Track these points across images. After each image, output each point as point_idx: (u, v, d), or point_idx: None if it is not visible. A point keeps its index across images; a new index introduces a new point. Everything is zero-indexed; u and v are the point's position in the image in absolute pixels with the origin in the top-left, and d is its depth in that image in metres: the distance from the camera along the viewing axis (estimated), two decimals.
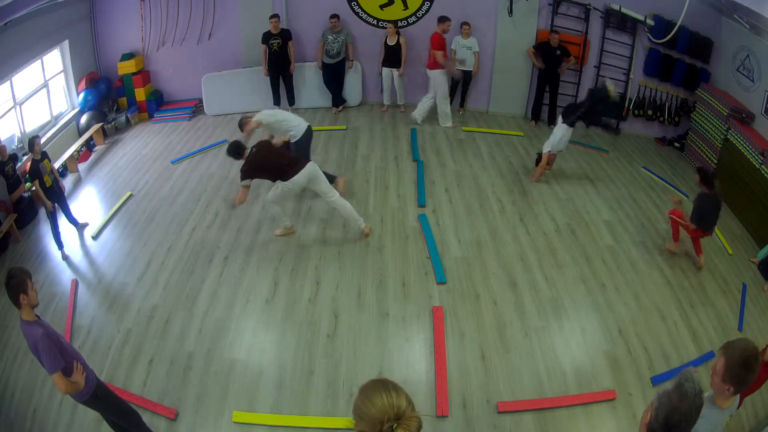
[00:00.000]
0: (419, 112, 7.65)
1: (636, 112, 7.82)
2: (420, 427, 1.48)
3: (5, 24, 5.44)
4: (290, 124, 5.61)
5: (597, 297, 4.67)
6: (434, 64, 7.16)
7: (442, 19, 7.10)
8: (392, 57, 7.69)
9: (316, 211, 5.74)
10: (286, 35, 7.43)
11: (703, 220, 4.88)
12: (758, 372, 2.11)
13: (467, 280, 4.80)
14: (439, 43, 7.05)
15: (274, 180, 4.95)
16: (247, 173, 4.80)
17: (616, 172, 6.81)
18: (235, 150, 4.89)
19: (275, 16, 7.28)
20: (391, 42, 7.58)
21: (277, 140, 5.69)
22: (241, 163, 4.89)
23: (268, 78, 7.67)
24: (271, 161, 4.87)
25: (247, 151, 4.85)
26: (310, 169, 4.89)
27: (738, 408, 2.56)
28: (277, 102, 7.94)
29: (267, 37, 7.33)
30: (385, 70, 7.84)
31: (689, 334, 4.34)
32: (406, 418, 1.45)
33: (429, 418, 3.58)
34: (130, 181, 6.47)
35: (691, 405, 1.70)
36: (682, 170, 7.07)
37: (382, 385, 1.52)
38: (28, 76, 6.54)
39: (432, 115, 8.07)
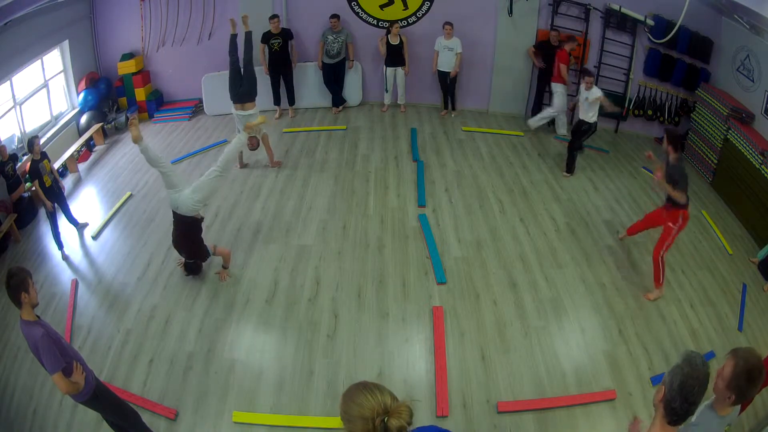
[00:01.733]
0: (537, 120, 7.54)
1: (636, 112, 7.82)
2: (411, 414, 1.53)
3: (5, 24, 5.43)
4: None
5: (597, 297, 4.67)
6: (558, 78, 7.20)
7: (571, 39, 7.16)
8: (396, 56, 7.70)
9: (316, 210, 5.74)
10: (286, 35, 7.43)
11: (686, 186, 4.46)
12: (761, 387, 2.10)
13: (467, 280, 4.80)
14: (566, 58, 7.11)
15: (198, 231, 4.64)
16: (205, 250, 4.64)
17: (616, 172, 6.81)
18: (194, 268, 4.77)
19: (275, 16, 7.28)
20: (394, 41, 7.59)
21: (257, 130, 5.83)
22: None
23: (268, 77, 7.65)
24: (183, 237, 4.59)
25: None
26: (174, 200, 4.43)
27: (738, 415, 2.57)
28: (277, 102, 7.93)
29: (267, 37, 7.33)
30: (389, 70, 7.84)
31: (689, 334, 4.34)
32: (395, 409, 1.51)
33: (419, 404, 3.59)
34: (130, 181, 6.48)
35: (702, 371, 1.79)
36: None
37: (363, 387, 1.58)
38: (28, 76, 6.53)
39: (433, 118, 8.08)
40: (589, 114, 6.22)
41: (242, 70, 6.05)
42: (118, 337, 4.25)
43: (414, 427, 1.64)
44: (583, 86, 6.24)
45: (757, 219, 5.73)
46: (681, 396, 1.77)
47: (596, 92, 6.07)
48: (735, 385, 2.07)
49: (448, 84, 7.89)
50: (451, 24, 7.40)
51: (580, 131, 6.41)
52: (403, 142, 7.28)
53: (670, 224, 4.56)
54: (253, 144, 6.16)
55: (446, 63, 7.62)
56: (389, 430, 1.49)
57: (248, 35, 6.10)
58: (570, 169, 6.61)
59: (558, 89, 7.25)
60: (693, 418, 2.19)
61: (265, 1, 7.67)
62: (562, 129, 7.50)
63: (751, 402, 3.49)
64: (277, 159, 6.65)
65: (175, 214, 4.49)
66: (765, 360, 3.44)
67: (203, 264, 4.82)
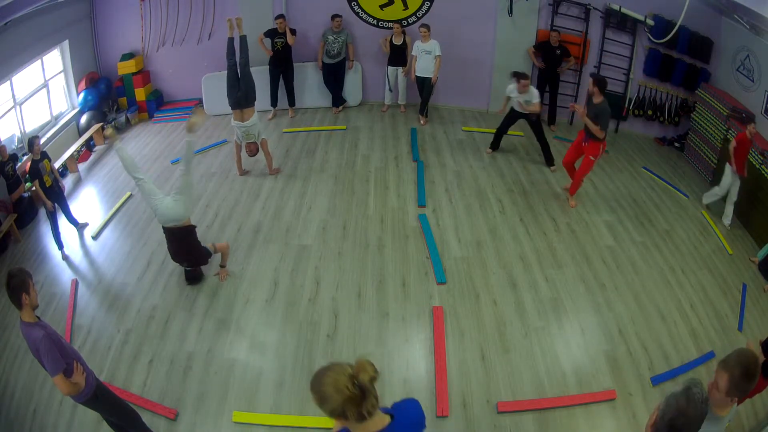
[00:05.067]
0: (709, 196, 6.19)
1: (636, 112, 7.82)
2: (373, 364, 1.66)
3: (5, 24, 5.44)
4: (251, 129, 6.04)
5: (597, 297, 4.67)
6: (732, 162, 5.80)
7: (748, 120, 5.89)
8: (398, 56, 7.69)
9: (316, 210, 5.74)
10: (291, 32, 7.41)
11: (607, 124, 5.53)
12: (759, 376, 2.10)
13: (467, 280, 4.80)
14: (746, 145, 5.70)
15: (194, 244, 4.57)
16: (205, 252, 4.61)
17: (616, 172, 6.81)
18: (196, 277, 4.77)
19: (281, 16, 7.29)
20: (397, 41, 7.58)
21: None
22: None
23: (268, 78, 7.64)
24: (180, 247, 4.52)
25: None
26: (161, 213, 4.36)
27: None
28: (273, 103, 7.91)
29: (273, 34, 7.32)
30: (390, 69, 7.83)
31: (689, 334, 4.34)
32: (358, 367, 1.63)
33: (429, 415, 3.57)
34: (130, 181, 6.44)
35: (697, 411, 1.71)
36: (682, 170, 7.08)
37: (323, 369, 1.67)
38: (28, 76, 6.53)
39: (433, 118, 8.08)
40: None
41: (239, 73, 6.00)
42: (118, 337, 4.25)
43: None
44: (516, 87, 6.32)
45: (757, 219, 5.73)
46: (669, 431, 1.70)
47: (535, 96, 6.34)
48: (735, 391, 2.06)
49: (424, 90, 7.58)
50: (427, 26, 7.21)
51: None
52: (403, 142, 7.28)
53: (591, 157, 5.67)
54: (252, 150, 6.15)
55: (424, 68, 7.37)
56: (364, 385, 1.60)
57: (243, 39, 6.09)
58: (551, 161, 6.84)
59: (728, 171, 5.86)
60: None
61: (265, 1, 7.67)
62: (727, 220, 5.95)
63: (749, 396, 3.49)
64: (276, 166, 6.57)
65: (166, 230, 4.40)
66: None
67: (203, 268, 4.81)
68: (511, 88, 6.39)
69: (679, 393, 1.74)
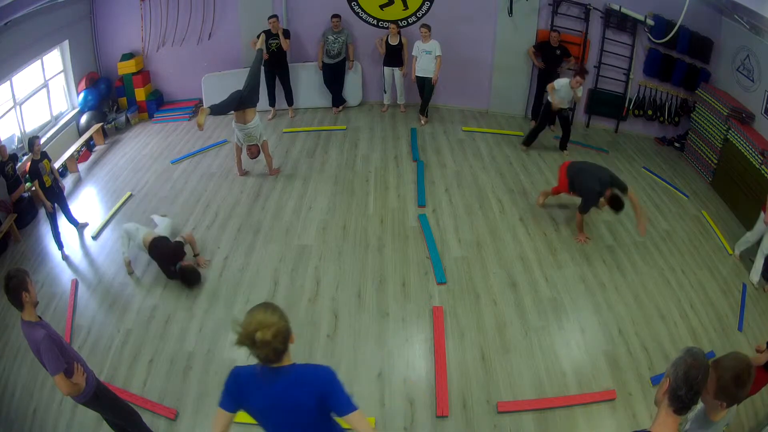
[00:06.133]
0: (742, 244, 5.40)
1: (636, 112, 7.83)
2: (272, 334, 1.85)
3: (5, 24, 5.44)
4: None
5: (597, 297, 4.67)
6: None
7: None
8: (394, 56, 7.68)
9: (316, 210, 5.74)
10: (285, 35, 7.41)
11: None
12: (751, 386, 2.11)
13: (467, 280, 4.80)
14: None
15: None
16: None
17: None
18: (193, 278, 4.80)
19: (274, 16, 7.28)
20: (393, 42, 7.58)
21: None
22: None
23: (267, 79, 7.64)
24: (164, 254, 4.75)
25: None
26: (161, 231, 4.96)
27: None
28: (272, 103, 7.92)
29: (267, 35, 7.32)
30: (386, 69, 7.83)
31: (689, 334, 4.34)
32: (265, 327, 1.84)
33: (420, 404, 3.58)
34: (130, 181, 6.47)
35: (704, 362, 1.85)
36: (682, 170, 7.08)
37: (256, 309, 1.95)
38: (28, 76, 6.53)
39: (433, 118, 8.07)
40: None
41: (250, 69, 6.16)
42: (118, 337, 4.25)
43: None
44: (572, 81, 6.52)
45: (757, 219, 5.71)
46: (686, 384, 1.82)
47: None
48: (723, 395, 2.08)
49: (425, 90, 7.60)
50: (428, 26, 7.23)
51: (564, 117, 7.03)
52: (403, 142, 7.28)
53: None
54: (254, 153, 6.16)
55: (425, 68, 7.39)
56: (254, 339, 1.84)
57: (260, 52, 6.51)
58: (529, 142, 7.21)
59: (761, 218, 5.11)
60: (692, 413, 2.19)
61: (265, 1, 7.68)
62: (755, 276, 5.08)
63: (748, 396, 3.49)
64: (276, 166, 6.56)
65: (156, 257, 4.68)
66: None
67: (198, 270, 4.81)
68: (564, 83, 6.54)
69: (683, 354, 1.87)
